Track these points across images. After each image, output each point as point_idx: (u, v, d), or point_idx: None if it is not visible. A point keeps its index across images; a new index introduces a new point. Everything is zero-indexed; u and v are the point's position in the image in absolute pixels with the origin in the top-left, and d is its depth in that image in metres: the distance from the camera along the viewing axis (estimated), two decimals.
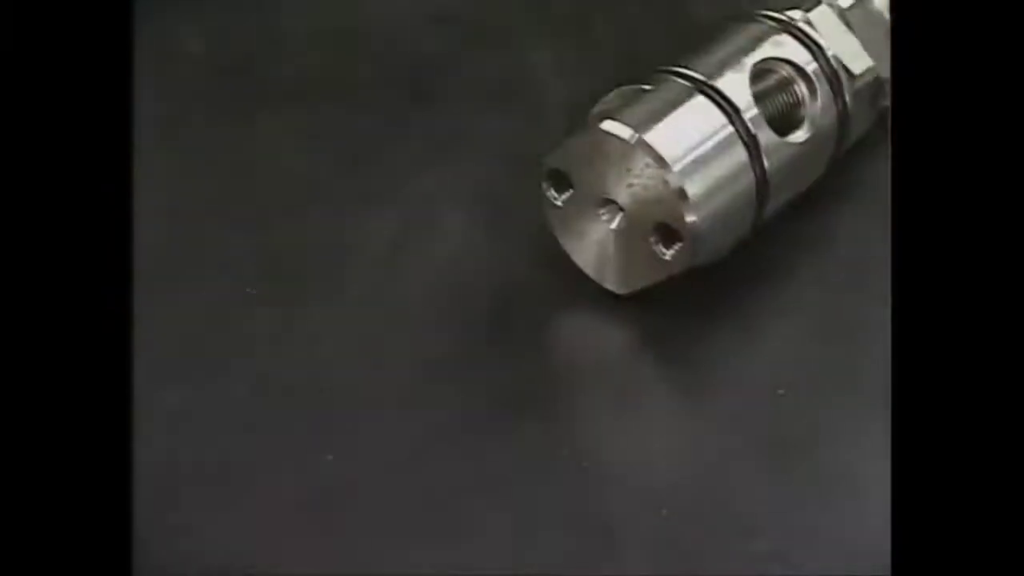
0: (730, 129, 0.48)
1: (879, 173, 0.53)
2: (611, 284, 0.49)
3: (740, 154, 0.48)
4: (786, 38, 0.50)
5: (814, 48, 0.50)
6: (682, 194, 0.47)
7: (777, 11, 0.51)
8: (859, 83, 0.51)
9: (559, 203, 0.49)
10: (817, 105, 0.50)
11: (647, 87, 0.49)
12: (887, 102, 0.53)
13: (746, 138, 0.48)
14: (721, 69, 0.49)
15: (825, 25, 0.51)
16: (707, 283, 0.50)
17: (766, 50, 0.50)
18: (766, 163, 0.48)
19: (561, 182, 0.49)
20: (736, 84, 0.48)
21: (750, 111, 0.48)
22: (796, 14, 0.51)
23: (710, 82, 0.48)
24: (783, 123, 0.49)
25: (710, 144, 0.48)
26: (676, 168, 0.47)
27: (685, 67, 0.49)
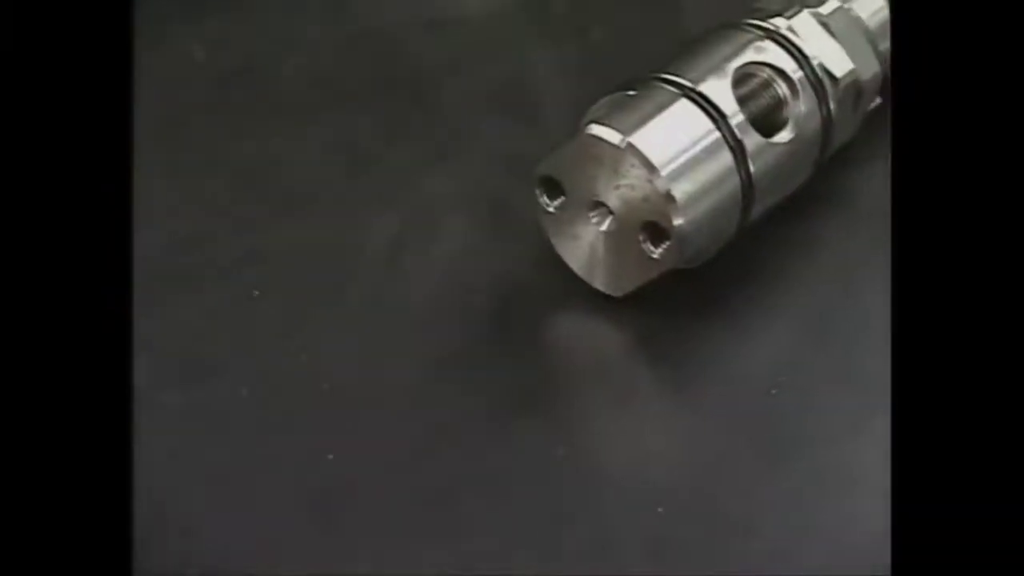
0: (717, 134, 0.49)
1: (864, 178, 0.54)
2: (602, 285, 0.50)
3: (726, 158, 0.49)
4: (769, 44, 0.51)
5: (797, 55, 0.51)
6: (669, 197, 0.47)
7: (760, 19, 0.52)
8: (841, 86, 0.51)
9: (551, 209, 0.50)
10: (800, 104, 0.51)
11: (632, 92, 0.49)
12: (870, 106, 0.54)
13: (732, 143, 0.49)
14: (706, 75, 0.49)
15: (807, 31, 0.51)
16: (699, 285, 0.50)
17: (749, 56, 0.50)
18: (752, 167, 0.49)
19: (553, 189, 0.50)
20: (721, 90, 0.49)
21: (736, 117, 0.49)
22: (779, 21, 0.52)
23: (696, 88, 0.49)
24: (766, 124, 0.50)
25: (697, 149, 0.48)
26: (664, 172, 0.47)
27: (672, 73, 0.49)
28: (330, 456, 0.47)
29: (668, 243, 0.48)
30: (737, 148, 0.49)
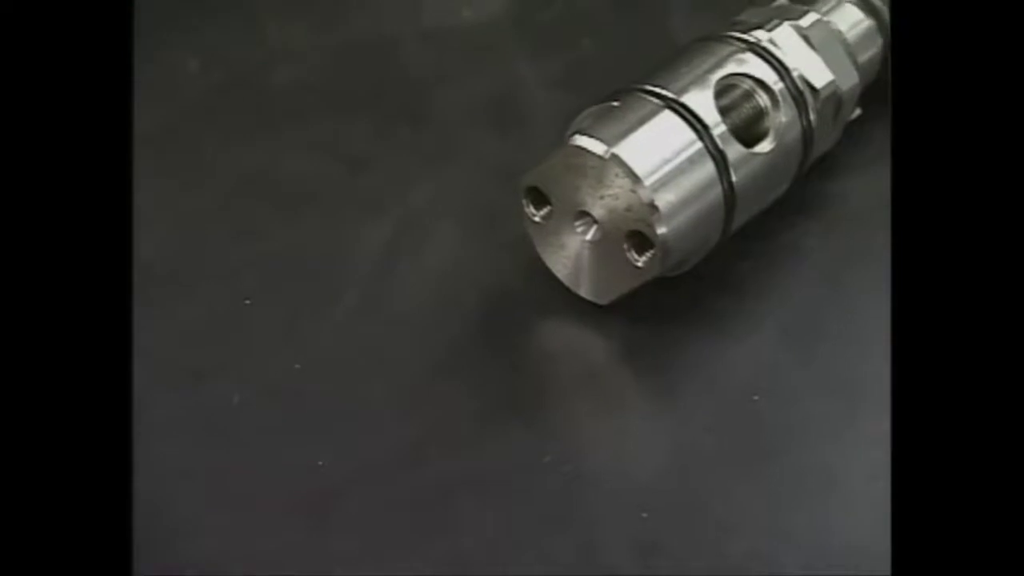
0: (699, 145, 0.49)
1: (844, 188, 0.55)
2: (587, 293, 0.51)
3: (709, 168, 0.49)
4: (750, 56, 0.51)
5: (778, 66, 0.51)
6: (653, 207, 0.48)
7: (742, 31, 0.52)
8: (822, 97, 0.52)
9: (538, 219, 0.51)
10: (781, 115, 0.51)
11: (616, 104, 0.50)
12: (850, 117, 0.54)
13: (714, 153, 0.49)
14: (689, 86, 0.50)
15: (787, 43, 0.52)
16: (682, 293, 0.51)
17: (731, 68, 0.51)
18: (734, 177, 0.49)
19: (539, 199, 0.50)
20: (704, 101, 0.50)
21: (718, 128, 0.49)
22: (760, 34, 0.52)
23: (679, 99, 0.49)
24: (748, 135, 0.50)
25: (680, 159, 0.49)
26: (647, 182, 0.48)
27: (655, 85, 0.50)
28: (320, 462, 0.47)
29: (652, 252, 0.49)
30: (719, 158, 0.49)
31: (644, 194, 0.48)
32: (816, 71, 0.52)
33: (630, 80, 0.51)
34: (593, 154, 0.48)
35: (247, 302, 0.52)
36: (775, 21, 0.53)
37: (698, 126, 0.49)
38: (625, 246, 0.49)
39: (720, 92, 0.50)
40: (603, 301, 0.51)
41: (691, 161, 0.49)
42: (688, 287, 0.51)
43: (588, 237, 0.50)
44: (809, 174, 0.54)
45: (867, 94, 0.55)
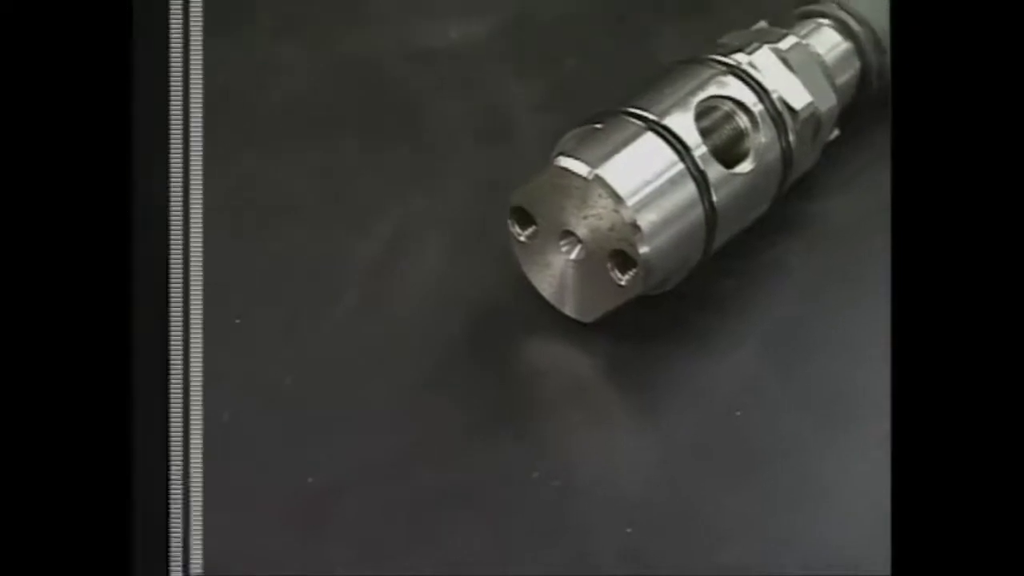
0: (680, 166, 0.50)
1: (824, 208, 0.56)
2: (572, 311, 0.51)
3: (690, 189, 0.50)
4: (730, 78, 0.52)
5: (757, 88, 0.52)
6: (635, 227, 0.49)
7: (722, 54, 0.53)
8: (800, 119, 0.53)
9: (523, 239, 0.51)
10: (760, 136, 0.52)
11: (599, 126, 0.51)
12: (828, 137, 0.55)
13: (695, 173, 0.50)
14: (671, 109, 0.51)
15: (767, 66, 0.53)
16: (665, 311, 0.52)
17: (712, 90, 0.52)
18: (715, 197, 0.50)
19: (525, 219, 0.51)
20: (685, 122, 0.50)
21: (699, 149, 0.50)
22: (740, 56, 0.53)
23: (661, 121, 0.50)
24: (728, 155, 0.51)
25: (662, 180, 0.49)
26: (630, 203, 0.49)
27: (637, 107, 0.51)
28: (310, 479, 0.47)
29: (635, 271, 0.49)
30: (700, 179, 0.50)
31: (627, 214, 0.49)
32: (795, 93, 0.53)
33: (613, 102, 0.51)
34: (577, 175, 0.49)
35: (237, 321, 0.52)
36: (755, 44, 0.54)
37: (679, 147, 0.50)
38: (608, 265, 0.50)
39: (701, 114, 0.51)
40: (587, 319, 0.51)
41: (672, 182, 0.50)
42: (671, 305, 0.52)
43: (572, 256, 0.51)
44: (789, 194, 0.54)
45: (845, 115, 0.56)
